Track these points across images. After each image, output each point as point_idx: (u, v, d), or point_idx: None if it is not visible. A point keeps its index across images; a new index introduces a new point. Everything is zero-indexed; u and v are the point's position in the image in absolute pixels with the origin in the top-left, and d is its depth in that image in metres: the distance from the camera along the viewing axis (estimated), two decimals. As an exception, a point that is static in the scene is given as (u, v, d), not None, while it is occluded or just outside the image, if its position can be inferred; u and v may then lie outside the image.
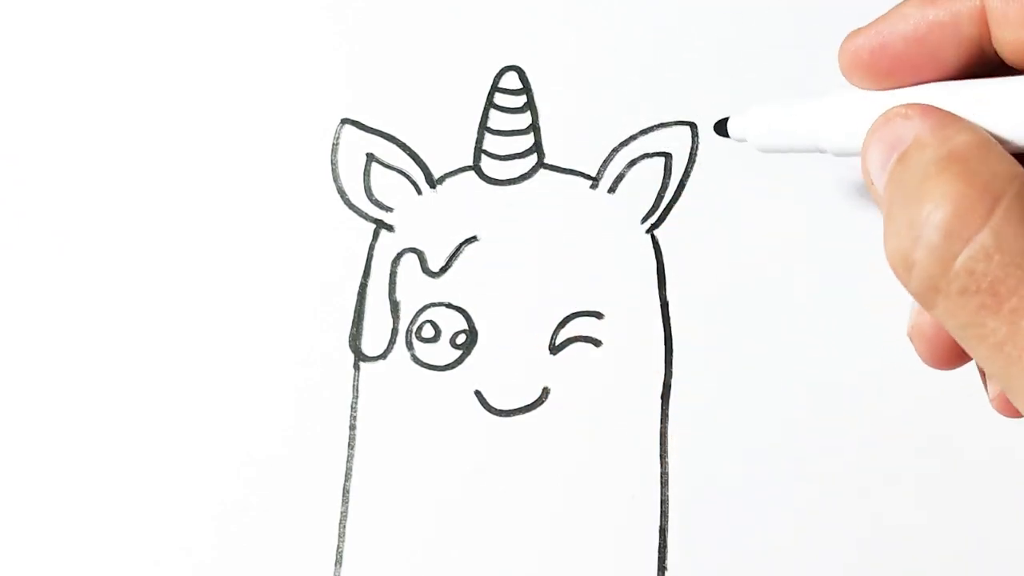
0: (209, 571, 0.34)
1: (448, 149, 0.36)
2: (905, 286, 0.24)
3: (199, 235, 0.36)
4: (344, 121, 0.37)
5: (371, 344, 0.35)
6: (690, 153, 0.36)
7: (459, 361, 0.35)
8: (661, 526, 0.34)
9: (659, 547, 0.33)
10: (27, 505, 0.34)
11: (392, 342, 0.35)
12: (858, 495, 0.33)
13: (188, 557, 0.34)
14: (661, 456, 0.34)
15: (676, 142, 0.36)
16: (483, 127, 0.36)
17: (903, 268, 0.23)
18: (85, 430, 0.35)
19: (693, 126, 0.36)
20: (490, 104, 0.36)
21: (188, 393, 0.35)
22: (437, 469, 0.34)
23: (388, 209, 0.36)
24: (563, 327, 0.35)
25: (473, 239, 0.36)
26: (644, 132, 0.36)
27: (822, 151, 0.29)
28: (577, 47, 0.37)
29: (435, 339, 0.35)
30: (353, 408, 0.35)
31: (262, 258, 0.36)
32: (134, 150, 0.37)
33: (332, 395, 0.35)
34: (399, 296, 0.35)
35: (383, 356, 0.35)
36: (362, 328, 0.35)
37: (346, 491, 0.34)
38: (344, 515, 0.34)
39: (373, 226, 0.36)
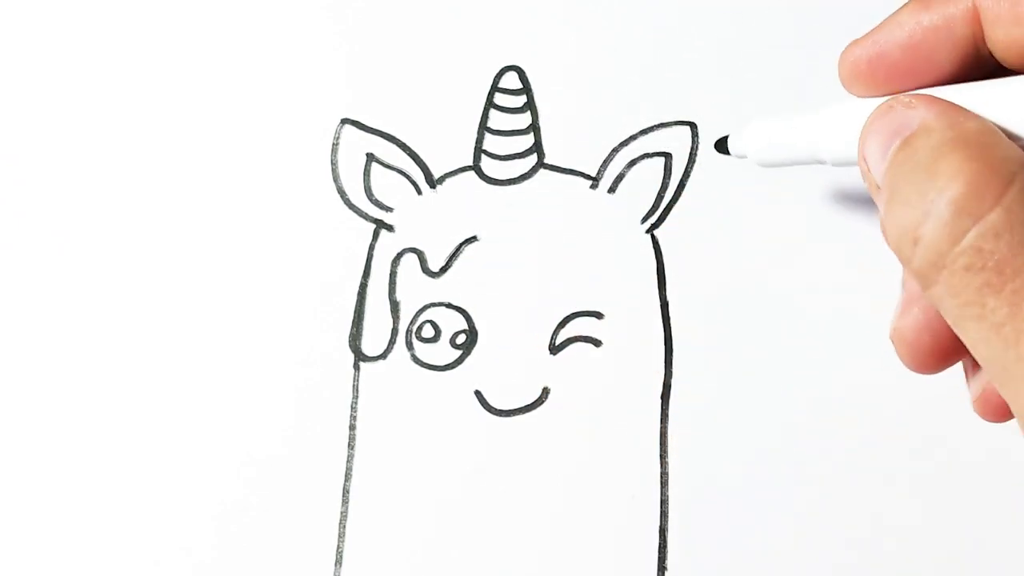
0: (209, 571, 0.34)
1: (448, 149, 0.36)
2: (906, 263, 0.24)
3: (199, 235, 0.36)
4: (344, 121, 0.37)
5: (371, 344, 0.35)
6: (690, 153, 0.36)
7: (459, 361, 0.35)
8: (661, 526, 0.34)
9: (659, 547, 0.33)
10: (27, 505, 0.34)
11: (392, 342, 0.35)
12: (858, 495, 0.33)
13: (188, 557, 0.34)
14: (661, 456, 0.34)
15: (676, 142, 0.36)
16: (483, 127, 0.36)
17: (908, 243, 0.23)
18: (85, 430, 0.35)
19: (693, 126, 0.36)
20: (490, 104, 0.36)
21: (188, 393, 0.35)
22: (437, 469, 0.34)
23: (388, 209, 0.36)
24: (563, 327, 0.35)
25: (473, 239, 0.36)
26: (644, 132, 0.36)
27: (822, 162, 0.29)
28: (577, 47, 0.37)
29: (435, 339, 0.35)
30: (353, 408, 0.35)
31: (262, 258, 0.36)
32: (134, 150, 0.37)
33: (332, 395, 0.35)
34: (399, 296, 0.35)
35: (383, 356, 0.35)
36: (362, 328, 0.35)
37: (346, 491, 0.34)
38: (344, 515, 0.34)
39: (373, 226, 0.36)
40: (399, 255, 0.36)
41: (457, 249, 0.36)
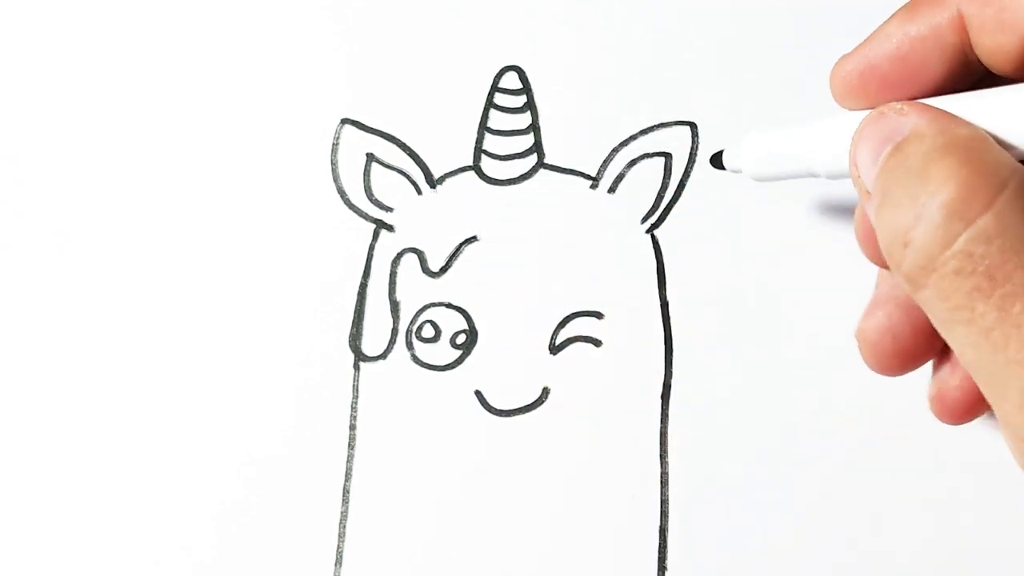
0: (209, 571, 0.34)
1: (448, 149, 0.36)
2: (896, 266, 0.24)
3: (199, 235, 0.36)
4: (344, 121, 0.37)
5: (371, 344, 0.35)
6: (690, 153, 0.36)
7: (459, 361, 0.35)
8: (661, 526, 0.34)
9: (659, 547, 0.33)
10: (27, 505, 0.34)
11: (392, 342, 0.35)
12: (858, 495, 0.33)
13: (188, 557, 0.34)
14: (661, 456, 0.34)
15: (676, 142, 0.36)
16: (483, 127, 0.36)
17: (899, 246, 0.23)
18: (85, 430, 0.35)
19: (693, 126, 0.36)
20: (490, 104, 0.36)
21: (188, 393, 0.35)
22: (437, 469, 0.34)
23: (388, 209, 0.36)
24: (563, 327, 0.35)
25: (473, 239, 0.36)
26: (644, 132, 0.36)
27: (816, 175, 0.29)
28: (577, 47, 0.37)
29: (435, 339, 0.35)
30: (353, 408, 0.35)
31: (262, 258, 0.36)
32: (134, 150, 0.37)
33: (332, 395, 0.35)
34: (399, 296, 0.35)
35: (383, 356, 0.35)
36: (362, 328, 0.35)
37: (346, 491, 0.34)
38: (344, 515, 0.34)
39: (373, 226, 0.36)
40: (399, 255, 0.36)
41: (457, 249, 0.36)
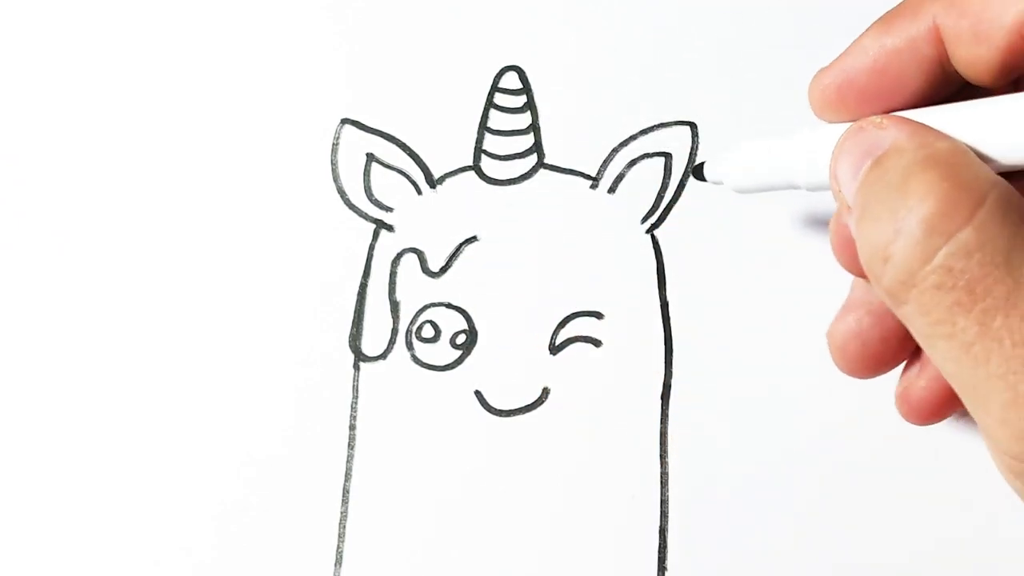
0: (209, 571, 0.34)
1: (448, 149, 0.36)
2: (876, 281, 0.24)
3: (199, 235, 0.36)
4: (344, 121, 0.37)
5: (371, 344, 0.35)
6: (690, 153, 0.36)
7: (459, 361, 0.35)
8: (661, 526, 0.34)
9: (659, 547, 0.33)
10: (27, 505, 0.34)
11: (392, 342, 0.35)
12: (858, 495, 0.33)
13: (188, 557, 0.34)
14: (661, 456, 0.34)
15: (676, 142, 0.36)
16: (483, 127, 0.36)
17: (879, 261, 0.23)
18: (85, 430, 0.35)
19: (693, 126, 0.36)
20: (490, 104, 0.36)
21: (188, 393, 0.35)
22: (437, 469, 0.34)
23: (388, 209, 0.36)
24: (563, 327, 0.35)
25: (473, 239, 0.36)
26: (644, 132, 0.36)
27: (797, 187, 0.29)
28: (577, 47, 0.37)
29: (435, 339, 0.35)
30: (353, 408, 0.35)
31: (262, 258, 0.36)
32: (134, 150, 0.37)
33: (332, 395, 0.35)
34: (399, 296, 0.35)
35: (383, 356, 0.35)
36: (362, 328, 0.35)
37: (346, 491, 0.34)
38: (344, 515, 0.34)
39: (373, 226, 0.36)
40: (399, 255, 0.36)
41: (457, 249, 0.36)
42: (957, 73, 0.27)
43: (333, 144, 0.36)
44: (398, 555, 0.34)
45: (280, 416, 0.35)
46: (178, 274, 0.36)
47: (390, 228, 0.36)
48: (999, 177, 0.23)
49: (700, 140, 0.36)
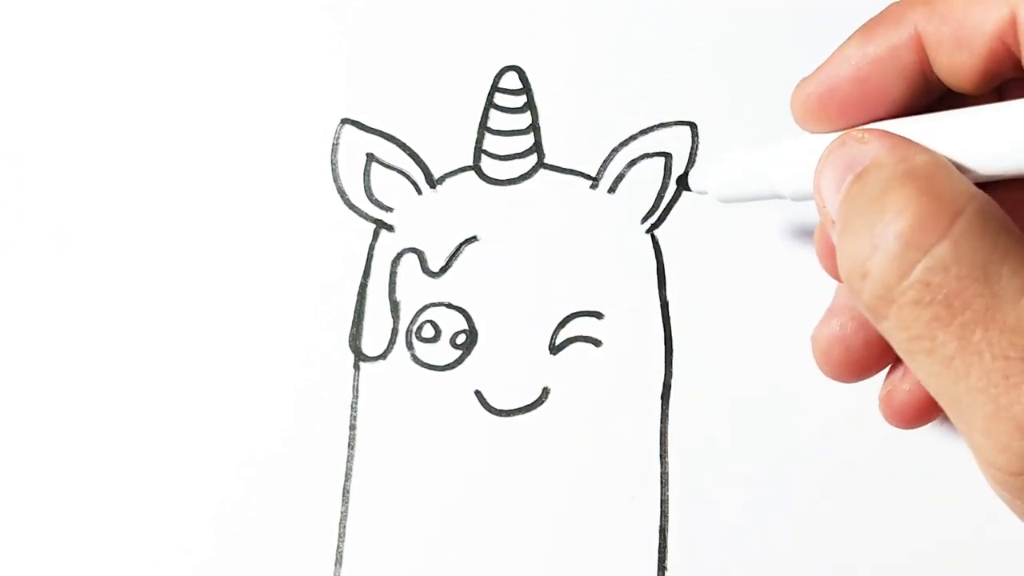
0: (209, 571, 0.34)
1: (448, 149, 0.36)
2: (856, 297, 0.24)
3: (199, 235, 0.36)
4: (344, 121, 0.37)
5: (371, 344, 0.35)
6: (690, 153, 0.36)
7: (459, 361, 0.35)
8: (661, 526, 0.34)
9: (659, 547, 0.33)
10: (27, 505, 0.34)
11: (392, 342, 0.35)
12: (858, 495, 0.33)
13: (188, 557, 0.34)
14: (661, 456, 0.34)
15: (676, 142, 0.36)
16: (483, 127, 0.36)
17: (857, 277, 0.23)
18: (85, 430, 0.35)
19: (693, 126, 0.36)
20: (490, 104, 0.36)
21: (188, 393, 0.35)
22: (437, 469, 0.34)
23: (388, 209, 0.36)
24: (563, 327, 0.35)
25: (473, 239, 0.36)
26: (644, 132, 0.36)
27: (781, 197, 0.29)
28: (577, 47, 0.37)
29: (435, 339, 0.35)
30: (353, 408, 0.35)
31: (262, 258, 0.36)
32: (134, 150, 0.37)
33: (332, 395, 0.35)
34: (399, 296, 0.35)
35: (383, 356, 0.35)
36: (362, 328, 0.35)
37: (346, 491, 0.34)
38: (344, 515, 0.34)
39: (373, 226, 0.36)
40: (399, 255, 0.36)
41: (457, 249, 0.36)
42: (940, 81, 0.27)
43: (333, 144, 0.36)
44: (398, 555, 0.34)
45: (280, 416, 0.35)
46: (178, 274, 0.36)
47: (390, 228, 0.36)
48: (977, 189, 0.23)
49: (700, 140, 0.36)
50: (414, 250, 0.36)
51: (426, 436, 0.34)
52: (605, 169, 0.36)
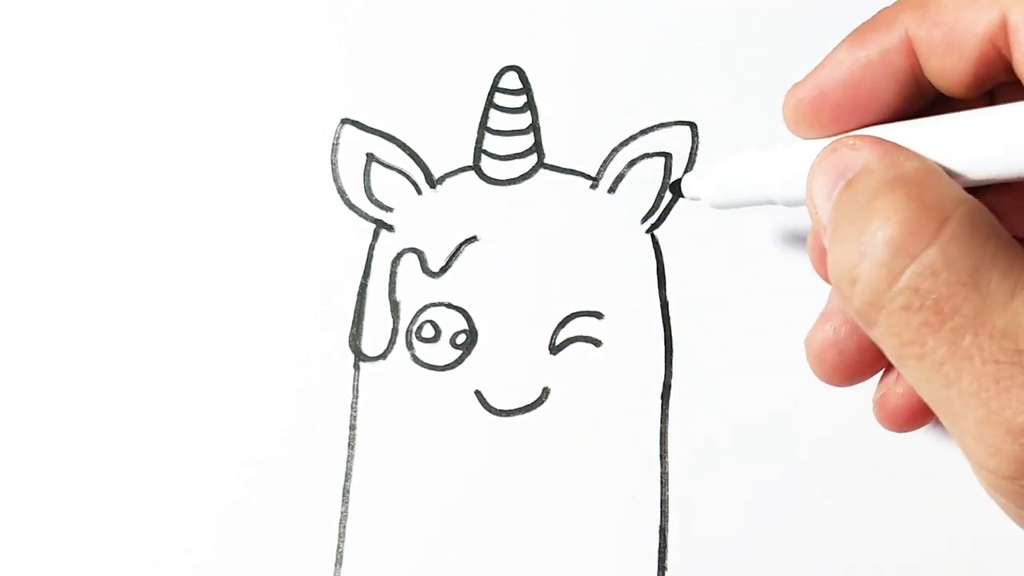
0: (209, 571, 0.34)
1: (448, 149, 0.36)
2: (846, 303, 0.24)
3: (199, 235, 0.36)
4: (344, 121, 0.37)
5: (371, 344, 0.35)
6: (690, 153, 0.36)
7: (459, 361, 0.35)
8: (661, 526, 0.34)
9: (659, 547, 0.33)
10: (27, 505, 0.34)
11: (392, 342, 0.35)
12: (858, 495, 0.33)
13: (188, 557, 0.34)
14: (661, 456, 0.34)
15: (676, 142, 0.36)
16: (483, 127, 0.36)
17: (847, 283, 0.23)
18: (85, 430, 0.35)
19: (693, 126, 0.36)
20: (490, 104, 0.36)
21: (188, 393, 0.35)
22: (437, 469, 0.34)
23: (388, 209, 0.36)
24: (563, 327, 0.35)
25: (473, 239, 0.36)
26: (644, 132, 0.36)
27: (774, 203, 0.29)
28: (577, 47, 0.37)
29: (435, 339, 0.35)
30: (353, 408, 0.35)
31: (262, 258, 0.36)
32: (134, 150, 0.37)
33: (332, 395, 0.35)
34: (399, 296, 0.35)
35: (383, 356, 0.35)
36: (362, 328, 0.35)
37: (346, 491, 0.34)
38: (344, 515, 0.34)
39: (373, 226, 0.36)
40: (399, 255, 0.36)
41: (457, 249, 0.36)
42: (931, 85, 0.27)
43: (333, 144, 0.36)
44: (398, 555, 0.34)
45: (280, 416, 0.35)
46: (178, 274, 0.36)
47: (390, 228, 0.36)
48: (966, 194, 0.23)
49: (700, 140, 0.36)
50: (414, 250, 0.36)
51: (426, 436, 0.34)
52: (605, 169, 0.36)
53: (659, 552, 0.33)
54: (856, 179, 0.24)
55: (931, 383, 0.22)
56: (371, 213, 0.36)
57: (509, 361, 0.35)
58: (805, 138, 0.28)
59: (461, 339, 0.35)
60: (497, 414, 0.35)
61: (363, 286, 0.35)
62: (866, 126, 0.27)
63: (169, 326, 0.35)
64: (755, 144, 0.30)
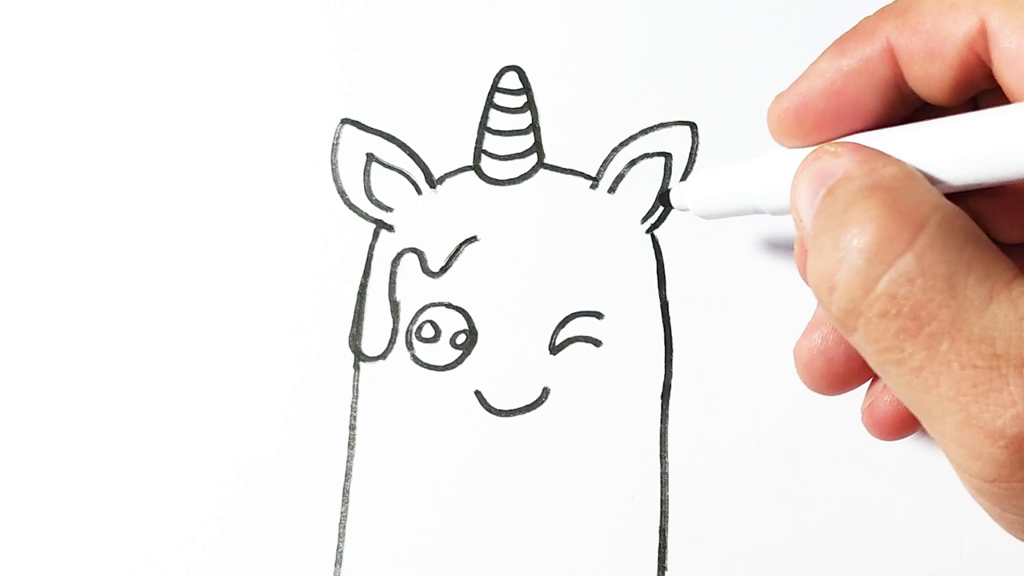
0: (209, 571, 0.34)
1: (448, 149, 0.36)
2: (826, 310, 0.24)
3: (199, 235, 0.36)
4: (344, 121, 0.37)
5: (371, 344, 0.35)
6: (690, 153, 0.36)
7: (459, 361, 0.35)
8: (661, 526, 0.34)
9: (659, 547, 0.33)
10: (27, 505, 0.34)
11: (392, 342, 0.35)
12: (858, 495, 0.33)
13: (188, 557, 0.34)
14: (661, 456, 0.34)
15: (676, 142, 0.36)
16: (483, 127, 0.36)
17: (825, 291, 0.23)
18: (85, 430, 0.35)
19: (693, 126, 0.36)
20: (490, 104, 0.36)
21: (188, 393, 0.35)
22: (437, 469, 0.34)
23: (388, 209, 0.36)
24: (563, 327, 0.35)
25: (473, 239, 0.36)
26: (644, 132, 0.36)
27: (761, 212, 0.29)
28: (577, 47, 0.37)
29: (435, 339, 0.35)
30: (353, 408, 0.35)
31: (262, 258, 0.36)
32: (134, 150, 0.37)
33: (332, 395, 0.35)
34: (399, 296, 0.35)
35: (383, 356, 0.35)
36: (362, 328, 0.35)
37: (346, 491, 0.34)
38: (344, 515, 0.34)
39: (373, 226, 0.36)
40: (399, 255, 0.36)
41: (457, 249, 0.36)
42: (915, 93, 0.27)
43: (333, 144, 0.36)
44: (398, 555, 0.34)
45: (280, 416, 0.35)
46: (178, 274, 0.36)
47: (390, 228, 0.36)
48: (944, 200, 0.23)
49: (700, 140, 0.36)
50: (414, 250, 0.36)
51: (426, 436, 0.34)
52: (605, 169, 0.36)
53: (659, 552, 0.33)
54: (836, 186, 0.24)
55: (911, 388, 0.22)
56: (371, 213, 0.36)
57: (509, 361, 0.35)
58: (790, 147, 0.28)
59: (461, 339, 0.35)
60: (497, 414, 0.35)
61: (363, 286, 0.35)
62: (850, 135, 0.27)
63: (169, 326, 0.35)
64: (750, 148, 0.30)
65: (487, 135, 0.36)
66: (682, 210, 0.33)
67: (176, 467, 0.35)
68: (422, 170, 0.36)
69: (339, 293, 0.35)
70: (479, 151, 0.36)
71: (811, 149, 0.27)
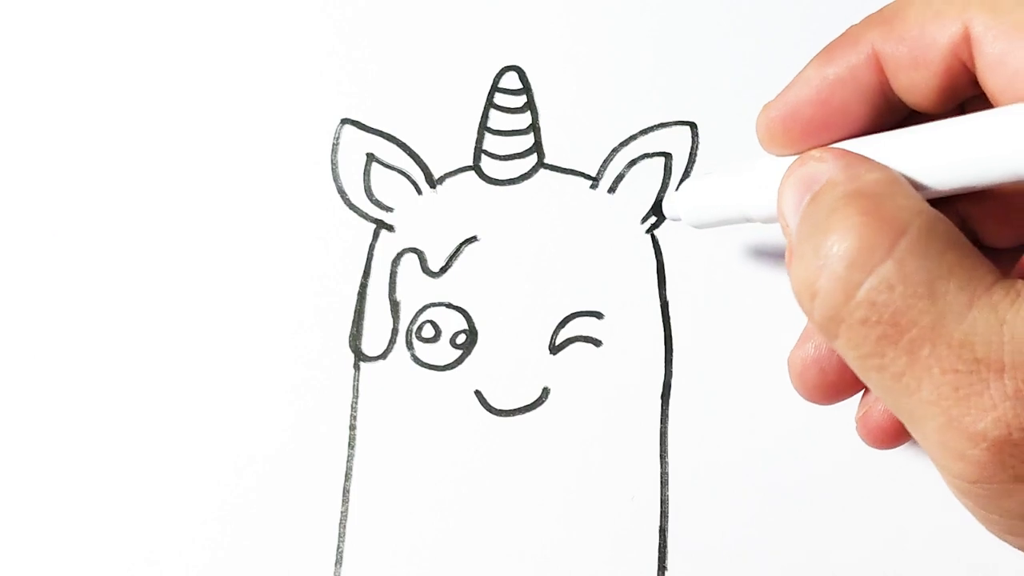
0: (209, 571, 0.34)
1: (448, 149, 0.36)
2: (808, 316, 0.24)
3: (199, 235, 0.36)
4: (344, 121, 0.37)
5: (371, 344, 0.35)
6: (690, 153, 0.36)
7: (459, 361, 0.35)
8: (661, 526, 0.34)
9: (659, 547, 0.33)
10: (27, 505, 0.34)
11: (392, 342, 0.35)
12: (858, 495, 0.33)
13: (188, 557, 0.34)
14: (661, 456, 0.34)
15: (676, 142, 0.36)
16: (483, 127, 0.36)
17: (807, 297, 0.23)
18: (85, 430, 0.35)
19: (693, 126, 0.36)
20: (490, 104, 0.36)
21: (188, 393, 0.35)
22: (437, 469, 0.34)
23: (388, 209, 0.36)
24: (563, 327, 0.35)
25: (473, 239, 0.36)
26: (644, 132, 0.36)
27: (751, 220, 0.29)
28: (577, 47, 0.37)
29: (435, 339, 0.35)
30: (353, 408, 0.35)
31: (262, 258, 0.36)
32: (134, 150, 0.37)
33: (332, 395, 0.35)
34: (399, 296, 0.35)
35: (383, 356, 0.35)
36: (362, 328, 0.35)
37: (346, 491, 0.34)
38: (344, 515, 0.34)
39: (373, 226, 0.36)
40: (399, 255, 0.36)
41: (457, 249, 0.36)
42: (901, 101, 0.27)
43: (333, 144, 0.36)
44: (398, 555, 0.34)
45: (280, 416, 0.35)
46: (178, 274, 0.36)
47: (390, 228, 0.36)
48: (925, 206, 0.23)
49: (700, 140, 0.36)
50: (414, 250, 0.36)
51: (426, 436, 0.34)
52: (605, 169, 0.36)
53: (659, 552, 0.33)
54: (820, 192, 0.24)
55: (893, 393, 0.22)
56: (371, 213, 0.36)
57: (509, 361, 0.35)
58: (779, 156, 0.28)
59: (461, 339, 0.35)
60: (497, 414, 0.35)
61: (363, 286, 0.35)
62: (838, 142, 0.27)
63: (169, 326, 0.35)
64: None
65: (487, 135, 0.36)
66: (674, 220, 0.33)
67: (176, 467, 0.35)
68: (422, 170, 0.36)
69: (339, 293, 0.35)
70: (479, 151, 0.36)
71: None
